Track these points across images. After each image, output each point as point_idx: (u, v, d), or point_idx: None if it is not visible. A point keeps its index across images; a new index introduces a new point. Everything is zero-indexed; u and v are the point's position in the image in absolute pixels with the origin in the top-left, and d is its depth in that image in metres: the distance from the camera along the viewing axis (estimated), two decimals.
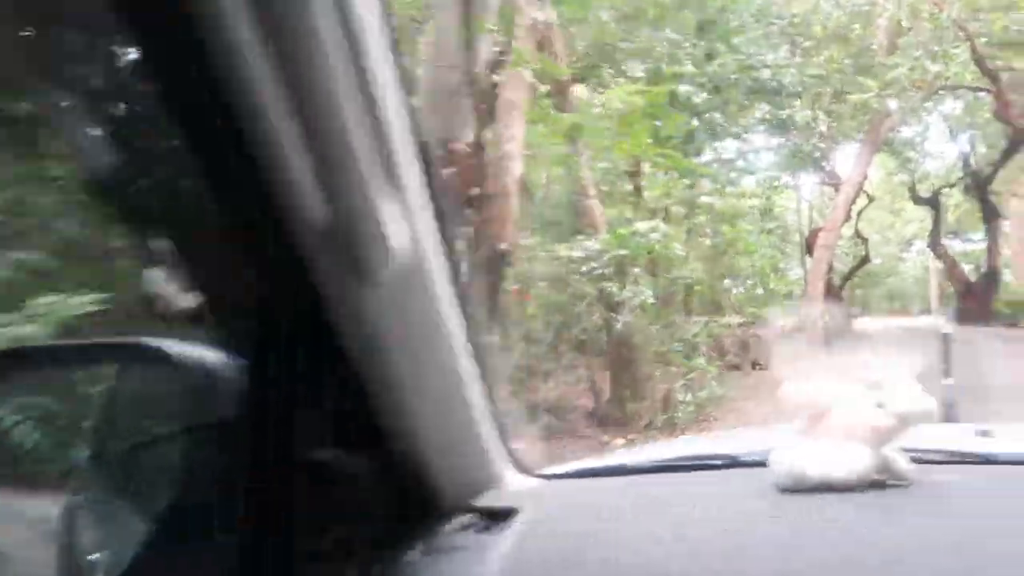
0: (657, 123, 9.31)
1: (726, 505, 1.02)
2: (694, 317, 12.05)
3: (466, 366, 0.94)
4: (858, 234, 22.39)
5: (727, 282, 24.92)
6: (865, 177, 20.89)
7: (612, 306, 8.13)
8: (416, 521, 0.94)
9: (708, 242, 19.24)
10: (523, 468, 1.17)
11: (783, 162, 24.97)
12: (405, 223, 0.73)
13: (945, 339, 3.46)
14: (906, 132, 25.12)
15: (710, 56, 14.00)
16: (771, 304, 26.50)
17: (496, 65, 5.98)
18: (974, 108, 24.51)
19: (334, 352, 0.78)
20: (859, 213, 21.71)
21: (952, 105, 23.45)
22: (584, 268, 8.03)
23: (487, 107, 5.92)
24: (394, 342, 0.81)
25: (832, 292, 21.04)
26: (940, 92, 19.42)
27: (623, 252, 7.94)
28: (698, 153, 17.35)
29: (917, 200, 26.32)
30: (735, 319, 18.05)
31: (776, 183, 27.08)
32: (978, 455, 1.18)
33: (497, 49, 6.05)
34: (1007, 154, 24.01)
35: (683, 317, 11.55)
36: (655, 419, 8.40)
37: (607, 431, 8.33)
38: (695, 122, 14.18)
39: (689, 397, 9.17)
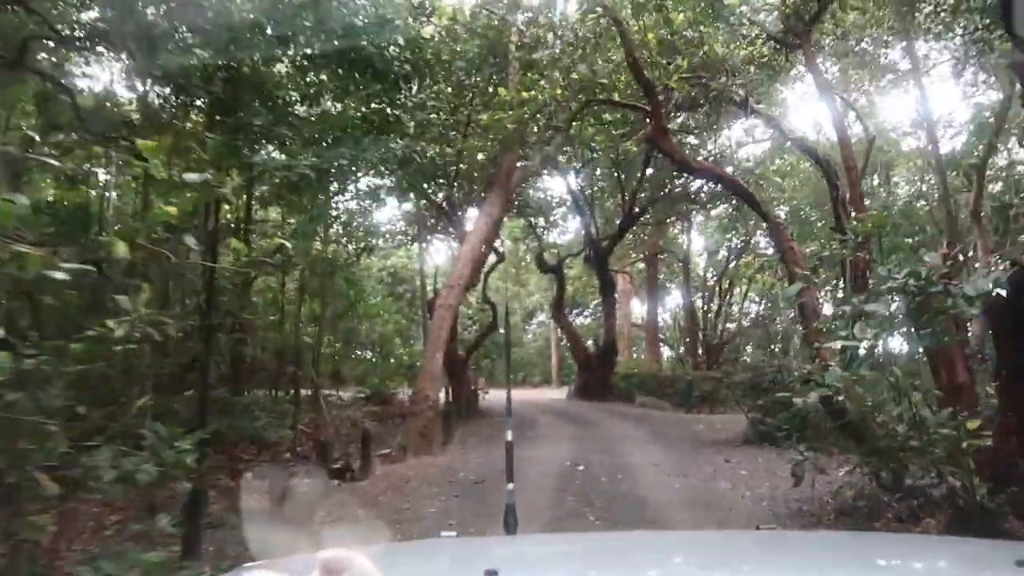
0: None
1: None
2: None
3: None
4: (487, 300, 19.91)
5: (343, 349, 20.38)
6: (493, 235, 18.62)
7: None
8: None
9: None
10: None
11: (409, 216, 21.97)
12: None
13: (508, 447, 3.25)
14: (535, 195, 24.00)
15: None
16: (396, 375, 22.84)
17: None
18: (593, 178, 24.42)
19: None
20: (486, 276, 19.25)
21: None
22: None
23: None
24: None
25: (456, 362, 18.06)
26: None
27: None
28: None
29: (543, 267, 25.26)
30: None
31: (405, 241, 23.97)
32: None
33: None
34: (622, 230, 24.33)
35: None
36: None
37: None
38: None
39: None
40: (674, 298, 36.70)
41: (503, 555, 1.95)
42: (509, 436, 3.39)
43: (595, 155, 22.52)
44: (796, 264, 11.09)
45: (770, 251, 32.48)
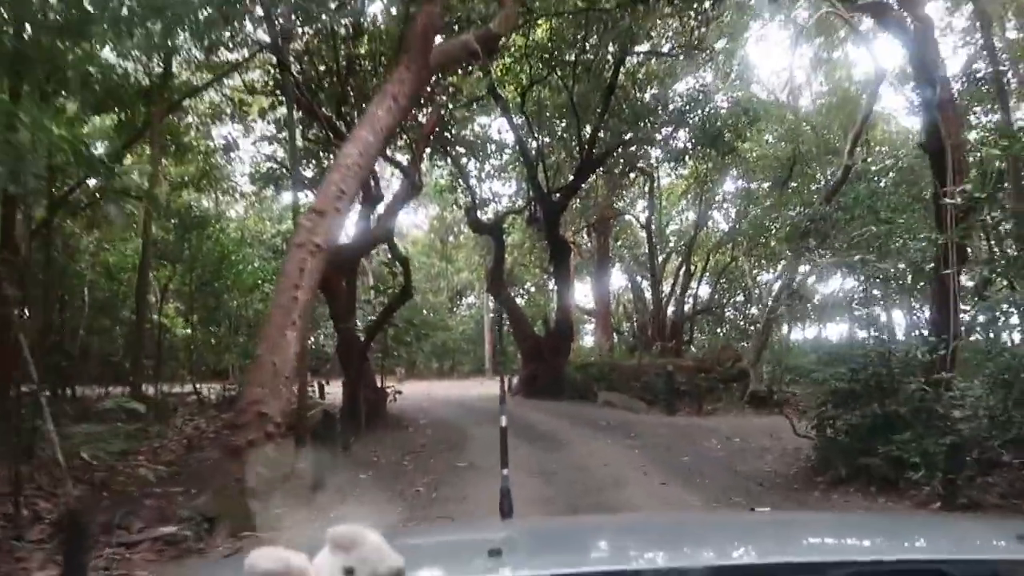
0: None
1: None
2: None
3: None
4: (396, 256, 14.01)
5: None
6: (394, 123, 12.96)
7: None
8: None
9: None
10: None
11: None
12: None
13: (502, 432, 3.43)
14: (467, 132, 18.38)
15: None
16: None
17: None
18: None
19: None
20: (391, 212, 13.41)
21: None
22: None
23: None
24: None
25: (351, 348, 12.31)
26: None
27: None
28: None
29: (477, 227, 19.73)
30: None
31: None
32: None
33: None
34: (578, 178, 19.07)
35: None
36: None
37: None
38: None
39: None
40: (622, 275, 31.79)
41: (503, 537, 1.95)
42: (503, 422, 3.48)
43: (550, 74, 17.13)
44: None
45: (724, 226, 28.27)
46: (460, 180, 19.57)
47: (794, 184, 23.32)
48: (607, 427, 12.67)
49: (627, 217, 28.96)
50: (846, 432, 7.60)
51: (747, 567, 1.43)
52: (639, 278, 31.68)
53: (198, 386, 15.81)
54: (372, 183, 12.33)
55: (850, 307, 15.81)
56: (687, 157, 20.65)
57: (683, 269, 26.11)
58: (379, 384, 13.10)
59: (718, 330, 34.39)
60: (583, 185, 22.45)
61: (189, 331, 16.56)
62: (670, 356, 23.55)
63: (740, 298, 34.50)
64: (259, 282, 17.35)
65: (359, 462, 9.11)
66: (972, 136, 20.81)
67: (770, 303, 28.22)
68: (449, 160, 19.31)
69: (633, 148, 20.91)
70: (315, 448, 8.90)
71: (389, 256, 14.64)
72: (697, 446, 10.35)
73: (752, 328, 33.75)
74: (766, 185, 23.07)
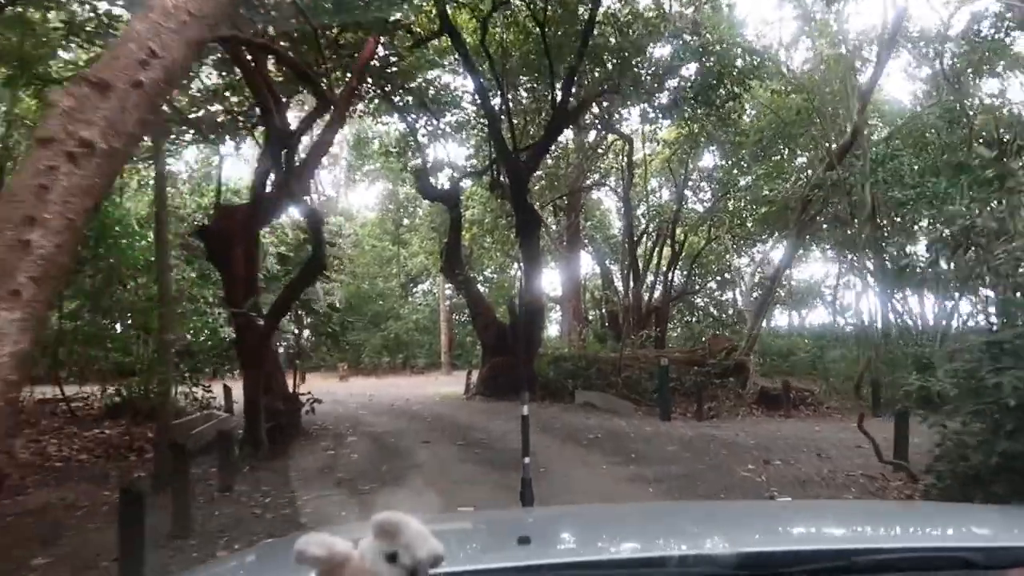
0: None
1: None
2: None
3: None
4: (310, 216, 10.45)
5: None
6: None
7: None
8: None
9: None
10: None
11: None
12: None
13: (524, 420, 3.40)
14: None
15: None
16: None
17: None
18: None
19: None
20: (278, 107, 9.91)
21: None
22: None
23: None
24: None
25: (248, 335, 8.99)
26: None
27: None
28: None
29: (428, 193, 16.51)
30: None
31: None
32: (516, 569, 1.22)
33: None
34: (551, 134, 15.92)
35: None
36: None
37: None
38: None
39: None
40: (591, 259, 28.89)
41: (530, 524, 1.98)
42: (525, 411, 3.41)
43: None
44: None
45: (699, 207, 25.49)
46: (410, 139, 16.29)
47: (777, 158, 20.73)
48: (594, 442, 9.62)
49: (599, 194, 26.06)
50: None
51: (774, 554, 1.37)
52: (609, 262, 28.93)
53: (67, 391, 12.32)
54: (274, 108, 8.96)
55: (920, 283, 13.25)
56: (672, 114, 17.68)
57: (659, 249, 23.28)
58: (293, 389, 9.77)
59: (690, 318, 31.82)
60: (553, 150, 19.42)
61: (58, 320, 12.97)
62: (652, 347, 20.73)
63: (713, 285, 32.11)
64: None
65: (230, 518, 5.86)
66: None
67: (758, 285, 25.75)
68: (397, 116, 16.03)
69: (609, 105, 17.94)
70: (175, 492, 5.66)
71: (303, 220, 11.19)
72: (732, 475, 7.31)
73: (726, 316, 31.33)
74: (760, 153, 20.25)
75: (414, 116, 16.06)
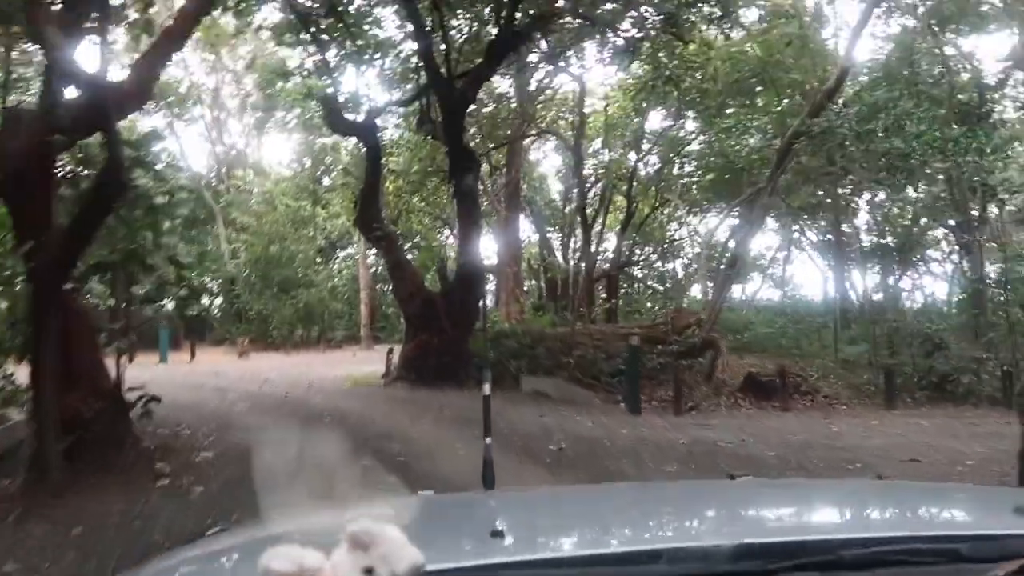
0: None
1: None
2: None
3: None
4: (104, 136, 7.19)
5: None
6: None
7: None
8: None
9: None
10: None
11: None
12: None
13: (485, 400, 3.23)
14: None
15: None
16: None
17: None
18: None
19: None
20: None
21: None
22: None
23: None
24: None
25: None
26: None
27: None
28: None
29: (338, 127, 13.30)
30: None
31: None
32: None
33: None
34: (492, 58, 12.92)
35: None
36: None
37: None
38: None
39: None
40: (529, 225, 26.21)
41: (497, 512, 1.81)
42: (487, 390, 3.36)
43: None
44: None
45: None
46: (316, 60, 12.99)
47: (749, 104, 18.36)
48: (560, 459, 6.89)
49: (537, 155, 23.24)
50: None
51: (773, 545, 1.24)
52: (548, 227, 26.31)
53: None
54: None
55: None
56: (633, 54, 14.88)
57: (606, 212, 20.71)
58: (117, 381, 6.54)
59: (629, 289, 29.60)
60: (491, 93, 16.45)
61: None
62: (603, 323, 18.22)
63: (654, 256, 29.97)
64: None
65: None
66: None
67: (706, 255, 23.52)
68: (305, 33, 12.69)
69: (559, 38, 15.02)
70: None
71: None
72: None
73: (665, 288, 29.23)
74: (729, 101, 17.77)
75: (323, 33, 12.79)
